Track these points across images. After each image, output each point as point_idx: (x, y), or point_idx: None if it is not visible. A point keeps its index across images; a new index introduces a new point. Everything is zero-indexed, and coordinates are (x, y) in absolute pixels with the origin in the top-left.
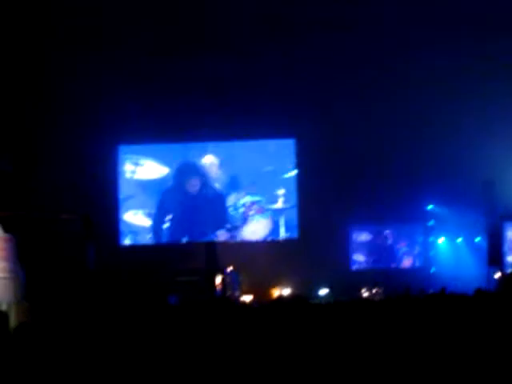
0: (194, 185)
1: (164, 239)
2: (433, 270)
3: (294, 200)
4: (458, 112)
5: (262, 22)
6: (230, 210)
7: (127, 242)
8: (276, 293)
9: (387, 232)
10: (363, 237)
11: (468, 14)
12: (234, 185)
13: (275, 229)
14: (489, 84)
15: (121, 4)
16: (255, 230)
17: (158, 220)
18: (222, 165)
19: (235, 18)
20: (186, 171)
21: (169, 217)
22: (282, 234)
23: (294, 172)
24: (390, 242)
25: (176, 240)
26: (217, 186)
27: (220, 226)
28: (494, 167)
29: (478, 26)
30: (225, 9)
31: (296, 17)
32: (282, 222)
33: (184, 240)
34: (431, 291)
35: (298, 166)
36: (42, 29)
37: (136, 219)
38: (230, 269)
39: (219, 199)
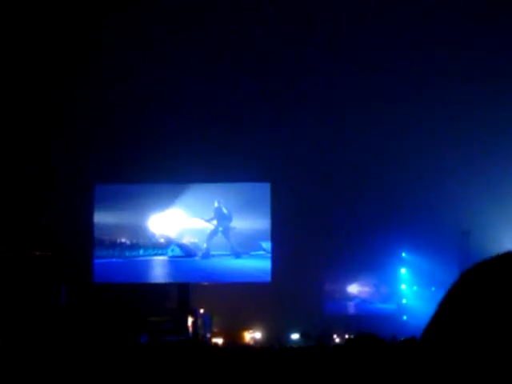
0: None
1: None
2: (405, 317)
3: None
4: (437, 163)
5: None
6: None
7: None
8: (247, 336)
9: (360, 278)
10: (336, 282)
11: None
12: None
13: None
14: (469, 139)
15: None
16: None
17: None
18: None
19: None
20: None
21: None
22: None
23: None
24: (362, 288)
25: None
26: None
27: None
28: (470, 218)
29: (463, 77)
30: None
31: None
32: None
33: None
34: (402, 339)
35: (273, 210)
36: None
37: None
38: (201, 310)
39: None
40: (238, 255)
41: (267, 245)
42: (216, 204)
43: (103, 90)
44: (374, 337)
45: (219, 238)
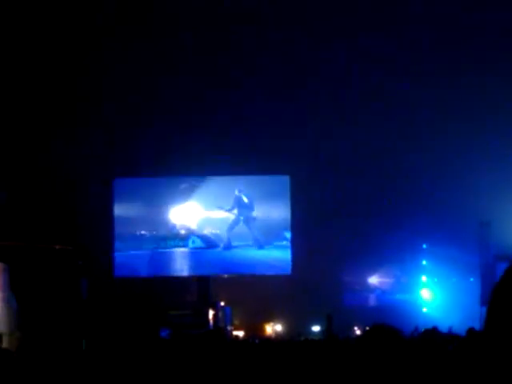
0: None
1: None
2: (425, 308)
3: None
4: (456, 154)
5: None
6: None
7: None
8: (268, 328)
9: (380, 270)
10: (357, 274)
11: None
12: None
13: None
14: (485, 128)
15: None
16: None
17: None
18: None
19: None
20: None
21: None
22: None
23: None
24: (383, 279)
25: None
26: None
27: None
28: (489, 209)
29: (467, 70)
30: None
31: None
32: None
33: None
34: (423, 330)
35: (292, 202)
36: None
37: None
38: (222, 303)
39: None
40: (260, 246)
41: (289, 235)
42: (236, 192)
43: (121, 83)
44: (391, 328)
45: (241, 228)
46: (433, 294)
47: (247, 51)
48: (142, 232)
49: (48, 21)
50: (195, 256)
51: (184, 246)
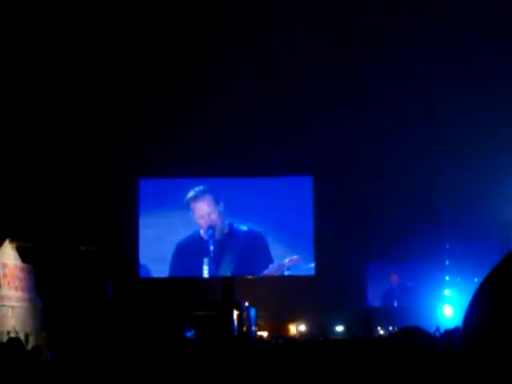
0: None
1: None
2: (448, 307)
3: None
4: (479, 156)
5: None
6: None
7: None
8: (292, 328)
9: (404, 270)
10: (380, 274)
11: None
12: None
13: None
14: (509, 130)
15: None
16: None
17: None
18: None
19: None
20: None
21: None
22: None
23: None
24: (405, 280)
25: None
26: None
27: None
28: (510, 210)
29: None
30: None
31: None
32: None
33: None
34: (445, 329)
35: (315, 203)
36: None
37: None
38: (246, 304)
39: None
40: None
41: (311, 237)
42: None
43: (145, 83)
44: (419, 330)
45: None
46: (455, 294)
47: (272, 49)
48: (167, 232)
49: (72, 21)
50: (219, 256)
51: (208, 247)
